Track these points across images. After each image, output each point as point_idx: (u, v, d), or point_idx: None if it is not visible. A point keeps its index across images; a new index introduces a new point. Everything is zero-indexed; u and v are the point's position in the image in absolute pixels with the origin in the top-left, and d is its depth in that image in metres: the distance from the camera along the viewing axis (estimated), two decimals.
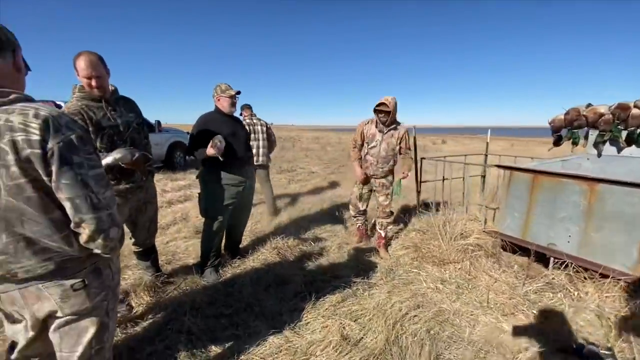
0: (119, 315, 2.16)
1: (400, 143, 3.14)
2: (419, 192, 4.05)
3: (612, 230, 2.31)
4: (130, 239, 2.41)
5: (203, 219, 2.74)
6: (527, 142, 23.67)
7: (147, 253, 2.50)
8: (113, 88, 2.04)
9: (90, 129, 1.88)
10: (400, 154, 3.20)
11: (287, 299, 2.40)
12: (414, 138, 3.93)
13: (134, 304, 2.28)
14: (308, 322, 2.10)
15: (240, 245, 3.25)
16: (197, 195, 2.75)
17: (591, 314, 2.21)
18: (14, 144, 0.85)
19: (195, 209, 4.66)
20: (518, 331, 2.07)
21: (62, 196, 0.91)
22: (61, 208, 0.95)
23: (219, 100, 2.66)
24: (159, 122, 7.69)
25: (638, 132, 2.14)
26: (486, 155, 4.58)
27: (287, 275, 2.70)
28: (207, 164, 2.59)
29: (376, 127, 3.14)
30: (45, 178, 0.90)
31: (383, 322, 2.01)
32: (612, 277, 2.29)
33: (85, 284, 1.05)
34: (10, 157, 0.85)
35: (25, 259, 0.94)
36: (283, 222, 4.14)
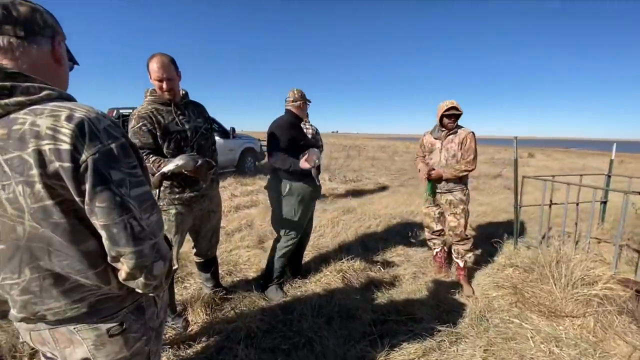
0: (174, 332, 2.03)
1: (461, 148, 2.63)
2: (517, 220, 3.31)
3: None
4: (193, 248, 2.32)
5: (272, 229, 2.57)
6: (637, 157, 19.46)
7: (208, 265, 2.39)
8: (184, 92, 1.95)
9: (158, 133, 1.80)
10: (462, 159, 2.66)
11: (353, 339, 2.02)
12: (515, 150, 3.24)
13: (190, 320, 2.15)
14: None
15: (302, 262, 2.99)
16: (270, 207, 2.58)
17: None
18: (39, 155, 0.65)
19: (260, 216, 4.61)
20: None
21: (97, 222, 0.71)
22: (97, 236, 0.75)
23: (300, 107, 2.49)
24: (233, 129, 8.08)
25: None
26: (609, 176, 3.60)
27: (353, 307, 2.32)
28: (287, 175, 2.40)
29: (432, 134, 2.81)
30: (77, 199, 0.70)
31: None
32: None
33: (123, 328, 0.84)
34: (35, 172, 0.66)
35: (52, 300, 0.76)
36: (348, 239, 3.79)
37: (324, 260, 3.11)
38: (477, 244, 3.77)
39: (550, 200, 3.17)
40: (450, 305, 2.46)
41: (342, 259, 3.00)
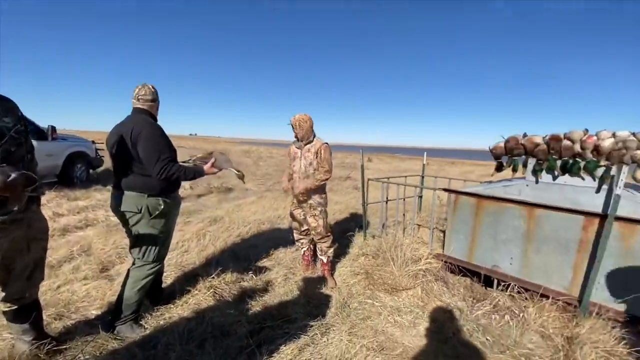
0: None
1: (316, 157, 2.93)
2: (365, 215, 3.94)
3: (549, 252, 2.47)
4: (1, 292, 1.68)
5: (119, 253, 2.12)
6: (440, 162, 26.71)
7: (25, 312, 1.78)
8: None
9: None
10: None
11: (230, 356, 1.93)
12: (362, 159, 3.85)
13: None
14: None
15: (163, 286, 2.63)
16: (118, 227, 2.13)
17: (536, 335, 2.28)
18: None
19: (100, 238, 3.76)
20: None
21: None
22: None
23: (157, 108, 2.19)
24: (53, 128, 6.27)
25: (571, 162, 2.32)
26: (422, 177, 4.77)
27: (227, 323, 2.21)
28: (159, 189, 2.03)
29: (294, 144, 3.07)
30: None
31: None
32: (551, 297, 2.41)
33: None
34: None
35: None
36: (217, 251, 3.58)
37: (191, 278, 2.83)
38: (336, 239, 4.28)
39: (387, 197, 3.92)
40: (319, 300, 2.69)
41: (212, 274, 2.82)
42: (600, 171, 2.26)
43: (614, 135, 2.25)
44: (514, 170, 2.67)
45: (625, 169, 2.14)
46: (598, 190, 2.29)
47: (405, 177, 4.46)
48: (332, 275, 3.14)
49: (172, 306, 2.44)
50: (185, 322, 2.20)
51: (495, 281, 2.77)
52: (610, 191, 2.18)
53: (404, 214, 4.29)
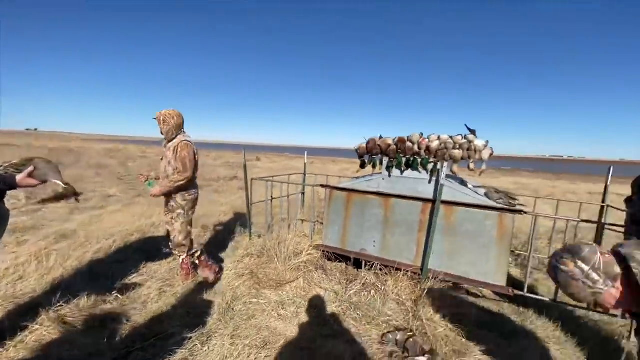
0: None
1: (174, 156, 2.78)
2: (250, 216, 3.93)
3: (400, 233, 3.01)
4: None
5: None
6: (323, 160, 28.77)
7: None
8: None
9: None
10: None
11: None
12: (244, 158, 3.81)
13: None
14: None
15: None
16: None
17: (393, 303, 2.76)
18: None
19: None
20: (346, 336, 2.28)
21: None
22: None
23: None
24: None
25: (412, 159, 2.89)
26: (304, 175, 5.06)
27: (82, 356, 1.86)
28: None
29: (163, 143, 2.97)
30: None
31: None
32: (402, 270, 2.96)
33: None
34: None
35: None
36: (67, 273, 2.94)
37: (29, 311, 2.25)
38: (222, 240, 4.12)
39: (272, 196, 4.01)
40: (200, 309, 2.55)
41: (59, 302, 2.31)
42: (430, 166, 2.89)
43: (439, 138, 2.91)
44: (374, 167, 3.14)
45: (445, 164, 2.81)
46: (430, 181, 2.92)
47: (289, 175, 4.65)
48: (188, 275, 3.01)
49: (3, 348, 1.88)
50: None
51: (364, 262, 3.21)
52: (437, 182, 2.82)
53: (288, 211, 4.47)
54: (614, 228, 2.58)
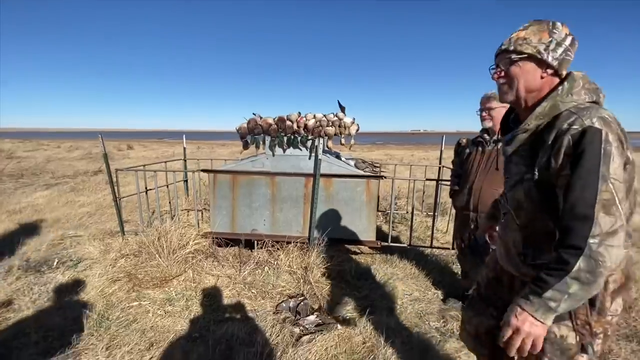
0: None
1: None
2: (119, 212, 3.42)
3: (288, 209, 3.17)
4: None
5: None
6: (212, 144, 26.95)
7: None
8: None
9: None
10: None
11: None
12: (102, 145, 3.24)
13: None
14: None
15: None
16: None
17: (286, 274, 2.93)
18: None
19: None
20: (241, 316, 2.34)
21: None
22: None
23: None
24: None
25: (292, 137, 3.03)
26: (185, 161, 4.68)
27: None
28: None
29: None
30: None
31: None
32: (292, 242, 3.14)
33: None
34: None
35: None
36: None
37: None
38: (88, 245, 3.48)
39: (146, 187, 3.58)
40: (62, 329, 2.15)
41: None
42: (309, 143, 3.09)
43: (314, 116, 3.12)
44: (257, 147, 3.15)
45: (322, 140, 3.04)
46: (310, 157, 3.13)
47: (165, 162, 4.21)
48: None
49: None
50: None
51: (256, 242, 3.26)
52: (316, 157, 3.05)
53: (169, 202, 4.09)
54: (446, 183, 3.36)
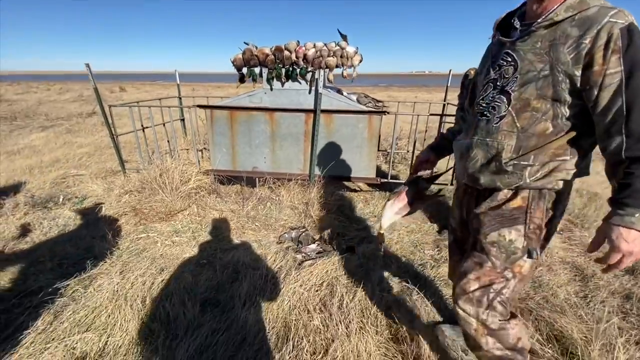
0: None
1: None
2: (118, 149, 3.39)
3: (288, 146, 3.13)
4: None
5: None
6: (207, 86, 25.87)
7: None
8: None
9: None
10: None
11: None
12: (92, 79, 3.08)
13: None
14: None
15: None
16: None
17: (288, 209, 3.01)
18: None
19: None
20: (245, 245, 2.46)
21: None
22: None
23: None
24: None
25: (291, 70, 2.84)
26: (180, 98, 4.50)
27: None
28: None
29: None
30: None
31: (129, 308, 1.66)
32: (293, 179, 3.17)
33: None
34: None
35: None
36: None
37: None
38: (90, 183, 3.53)
39: (142, 126, 3.50)
40: (75, 257, 2.26)
41: None
42: (309, 76, 2.93)
43: (314, 46, 2.90)
44: (254, 80, 2.99)
45: (322, 72, 2.88)
46: (310, 91, 2.99)
47: (160, 100, 4.05)
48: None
49: None
50: None
51: (257, 180, 3.29)
52: (316, 91, 2.91)
53: (168, 141, 4.04)
54: (450, 121, 3.26)
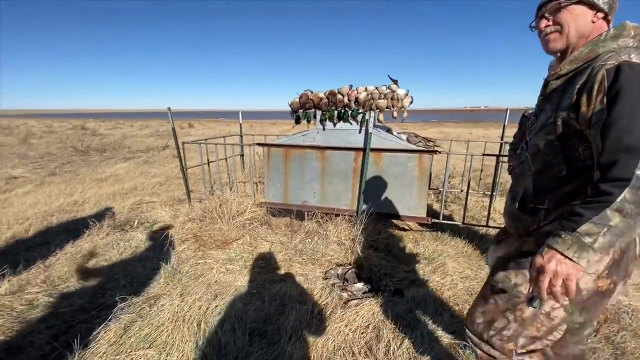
0: None
1: None
2: (186, 180, 3.79)
3: (337, 183, 3.23)
4: None
5: None
6: (263, 123, 27.91)
7: None
8: None
9: None
10: None
11: None
12: (171, 120, 3.57)
13: None
14: None
15: None
16: None
17: (334, 245, 3.04)
18: None
19: None
20: (292, 278, 2.51)
21: None
22: None
23: None
24: None
25: (342, 111, 3.03)
26: (241, 136, 4.95)
27: (16, 338, 1.77)
28: None
29: None
30: None
31: (186, 330, 1.79)
32: (341, 214, 3.22)
33: None
34: None
35: None
36: None
37: None
38: (160, 210, 3.95)
39: (208, 160, 3.90)
40: (144, 277, 2.52)
41: None
42: (360, 117, 3.07)
43: (366, 89, 3.07)
44: (308, 121, 3.22)
45: (373, 114, 3.00)
46: (360, 131, 3.12)
47: (224, 137, 4.51)
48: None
49: None
50: None
51: (306, 213, 3.40)
52: (367, 131, 3.02)
53: (228, 174, 4.41)
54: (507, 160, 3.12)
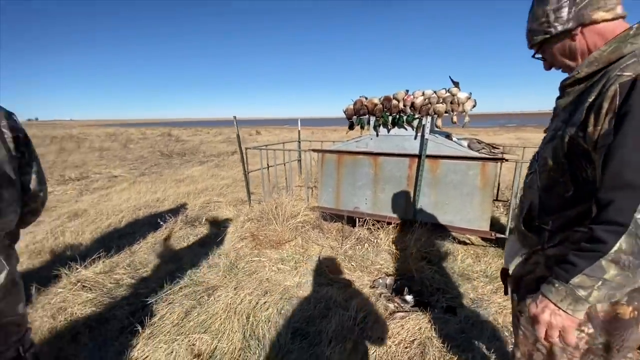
0: None
1: None
2: (247, 183, 4.09)
3: (390, 190, 3.16)
4: None
5: None
6: (324, 130, 28.56)
7: None
8: None
9: None
10: None
11: (109, 340, 1.88)
12: (236, 128, 3.90)
13: None
14: (146, 357, 1.73)
15: None
16: None
17: (385, 253, 2.96)
18: None
19: None
20: (339, 283, 2.51)
21: None
22: None
23: None
24: None
25: (397, 117, 2.96)
26: (299, 142, 5.16)
27: (103, 311, 2.11)
28: None
29: None
30: None
31: (236, 321, 1.93)
32: (393, 223, 3.13)
33: None
34: None
35: None
36: (83, 246, 3.19)
37: (50, 279, 2.50)
38: (225, 209, 4.32)
39: (267, 164, 4.15)
40: (206, 269, 2.78)
41: (78, 269, 2.54)
42: (415, 122, 2.96)
43: (423, 93, 2.96)
44: (362, 127, 3.22)
45: (429, 119, 2.87)
46: (415, 137, 3.00)
47: (284, 143, 4.75)
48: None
49: (29, 311, 2.14)
50: (50, 321, 2.00)
51: (357, 220, 3.39)
52: (422, 137, 2.91)
53: (285, 178, 4.63)
54: None
